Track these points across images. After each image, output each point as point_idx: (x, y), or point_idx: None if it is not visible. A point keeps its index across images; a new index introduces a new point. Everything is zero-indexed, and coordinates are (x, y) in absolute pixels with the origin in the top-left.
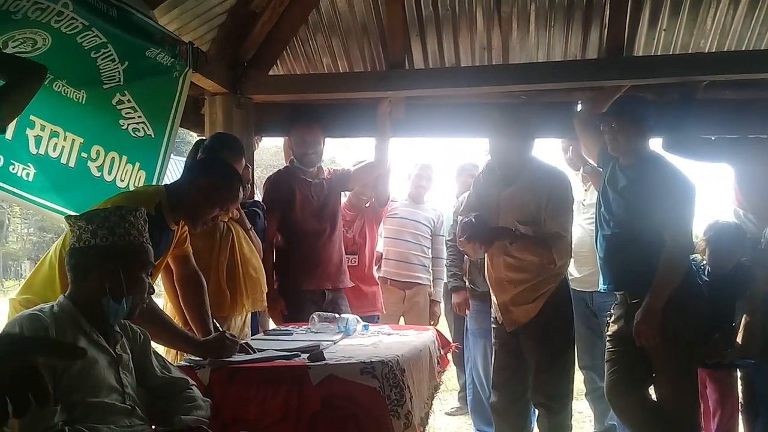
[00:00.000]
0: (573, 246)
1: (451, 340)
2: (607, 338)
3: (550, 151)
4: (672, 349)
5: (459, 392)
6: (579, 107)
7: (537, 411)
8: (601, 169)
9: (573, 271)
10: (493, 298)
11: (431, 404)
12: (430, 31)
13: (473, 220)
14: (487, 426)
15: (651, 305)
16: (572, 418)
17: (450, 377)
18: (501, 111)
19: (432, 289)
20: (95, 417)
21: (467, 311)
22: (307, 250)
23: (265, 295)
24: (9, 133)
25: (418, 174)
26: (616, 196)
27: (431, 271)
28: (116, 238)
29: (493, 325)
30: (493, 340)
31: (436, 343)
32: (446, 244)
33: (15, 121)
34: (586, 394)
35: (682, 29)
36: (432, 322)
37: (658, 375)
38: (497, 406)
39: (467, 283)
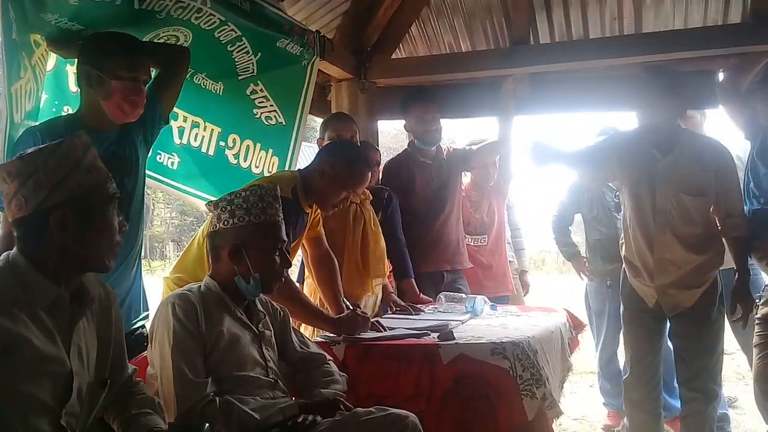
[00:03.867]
0: None
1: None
2: (756, 321)
3: None
4: None
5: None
6: (721, 76)
7: (686, 401)
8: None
9: None
10: (642, 280)
11: (562, 386)
12: (556, 3)
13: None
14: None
15: None
16: None
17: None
18: (655, 76)
19: (516, 261)
20: (242, 389)
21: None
22: (424, 231)
23: (387, 272)
24: None
25: None
26: (767, 171)
27: (511, 242)
28: (252, 217)
29: (626, 312)
30: (630, 326)
31: (568, 324)
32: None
33: None
34: None
35: None
36: (525, 293)
37: None
38: (634, 397)
39: (587, 263)
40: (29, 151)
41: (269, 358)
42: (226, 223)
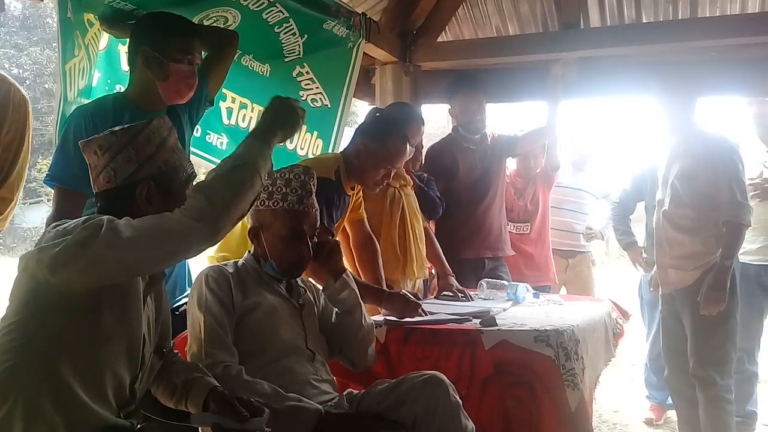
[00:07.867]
0: None
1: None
2: None
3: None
4: None
5: None
6: None
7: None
8: None
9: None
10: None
11: (598, 378)
12: None
13: None
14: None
15: None
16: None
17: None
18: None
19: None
20: (281, 361)
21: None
22: (467, 217)
23: (427, 264)
24: None
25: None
26: None
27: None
28: (285, 204)
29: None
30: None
31: (612, 314)
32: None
33: None
34: None
35: None
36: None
37: None
38: (669, 380)
39: (643, 254)
40: (119, 128)
41: (308, 326)
42: (263, 203)
